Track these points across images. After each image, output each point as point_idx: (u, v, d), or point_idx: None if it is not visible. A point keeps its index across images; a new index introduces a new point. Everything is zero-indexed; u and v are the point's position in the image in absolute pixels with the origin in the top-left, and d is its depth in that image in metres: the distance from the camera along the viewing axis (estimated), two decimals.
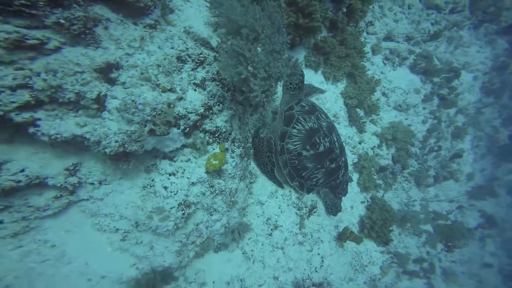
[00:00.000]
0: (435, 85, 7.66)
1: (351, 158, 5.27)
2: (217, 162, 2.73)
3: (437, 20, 7.84)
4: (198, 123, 2.58)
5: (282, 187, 4.10)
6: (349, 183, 5.09)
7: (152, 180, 2.56)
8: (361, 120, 5.51)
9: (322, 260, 4.43)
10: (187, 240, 2.90)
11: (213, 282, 3.41)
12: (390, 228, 5.53)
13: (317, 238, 4.44)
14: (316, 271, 4.31)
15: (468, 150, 9.92)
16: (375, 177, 5.59)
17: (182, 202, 2.62)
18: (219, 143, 2.86)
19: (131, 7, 2.24)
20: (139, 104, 2.00)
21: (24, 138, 1.98)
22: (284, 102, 3.88)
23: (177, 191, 2.59)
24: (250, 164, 3.88)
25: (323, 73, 5.11)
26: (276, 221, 3.95)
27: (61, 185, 2.18)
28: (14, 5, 1.60)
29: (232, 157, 3.11)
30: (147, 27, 2.33)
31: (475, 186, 9.97)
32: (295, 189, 4.15)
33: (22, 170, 2.01)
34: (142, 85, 2.06)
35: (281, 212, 4.02)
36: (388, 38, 6.73)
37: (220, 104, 2.74)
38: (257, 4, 2.66)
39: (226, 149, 3.03)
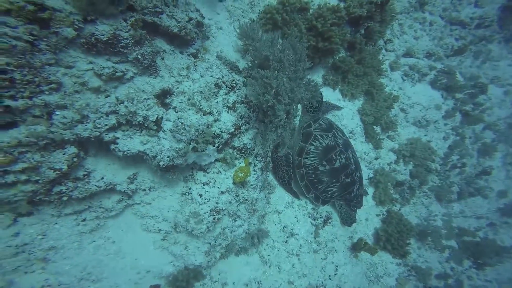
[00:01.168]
0: (457, 101, 7.81)
1: (366, 173, 5.64)
2: (242, 174, 3.27)
3: (461, 35, 8.03)
4: (228, 141, 3.14)
5: (299, 198, 4.57)
6: (365, 197, 5.48)
7: (189, 189, 3.11)
8: (378, 137, 5.87)
9: (336, 269, 4.82)
10: (215, 242, 3.41)
11: (233, 283, 3.89)
12: (407, 241, 5.80)
13: (331, 247, 4.85)
14: (330, 279, 4.71)
15: (499, 167, 9.74)
16: (391, 191, 5.90)
17: (214, 208, 3.14)
18: (244, 158, 3.41)
19: (181, 39, 2.84)
20: (187, 126, 2.59)
21: (103, 152, 2.64)
22: (302, 121, 4.38)
23: (210, 199, 3.12)
24: (268, 176, 4.40)
25: (340, 91, 5.55)
26: (292, 229, 4.41)
27: (124, 190, 2.80)
28: (117, 46, 2.20)
29: (255, 170, 3.63)
30: (191, 56, 2.93)
31: (509, 203, 9.68)
32: (310, 201, 4.61)
33: (102, 178, 2.64)
34: (189, 109, 2.65)
35: (297, 221, 4.49)
36: (408, 54, 7.05)
37: (247, 124, 3.28)
38: (281, 32, 3.18)
39: (250, 163, 3.57)
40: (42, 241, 2.52)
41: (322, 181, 4.32)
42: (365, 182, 5.59)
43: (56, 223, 2.59)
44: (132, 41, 2.21)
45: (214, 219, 3.18)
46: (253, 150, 3.54)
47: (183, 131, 2.55)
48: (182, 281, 3.19)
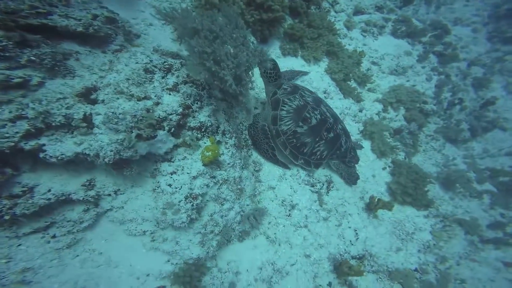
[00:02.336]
0: (425, 44, 7.40)
1: (355, 127, 5.17)
2: (210, 153, 2.95)
3: None
4: (181, 122, 2.87)
5: (289, 168, 4.16)
6: (360, 151, 4.95)
7: (158, 182, 2.84)
8: (356, 91, 5.47)
9: (356, 233, 4.24)
10: (205, 230, 3.07)
11: (247, 270, 3.48)
12: (426, 189, 5.12)
13: (343, 212, 4.30)
14: (353, 244, 4.13)
15: (504, 97, 8.94)
16: (389, 140, 5.35)
17: (188, 194, 2.83)
18: (208, 136, 3.11)
19: (95, 38, 2.71)
20: (119, 114, 2.36)
21: (43, 166, 2.43)
22: (268, 92, 4.11)
23: (181, 186, 2.82)
24: (252, 155, 4.04)
25: (302, 57, 5.31)
26: (292, 201, 3.95)
27: (83, 198, 2.56)
28: None
29: (227, 148, 3.32)
30: (115, 52, 2.80)
31: None
32: (302, 167, 4.17)
33: (49, 190, 2.42)
34: (118, 98, 2.44)
35: (294, 191, 4.03)
36: (358, 12, 6.82)
37: (198, 102, 3.03)
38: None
39: (219, 142, 3.26)
40: (10, 264, 2.30)
41: (305, 144, 3.92)
42: (357, 136, 5.13)
43: (20, 244, 2.36)
44: (10, 42, 2.04)
45: (193, 205, 2.86)
46: (218, 127, 3.25)
47: (116, 120, 2.33)
48: (185, 276, 2.88)
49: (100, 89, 2.46)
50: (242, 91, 3.22)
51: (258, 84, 4.63)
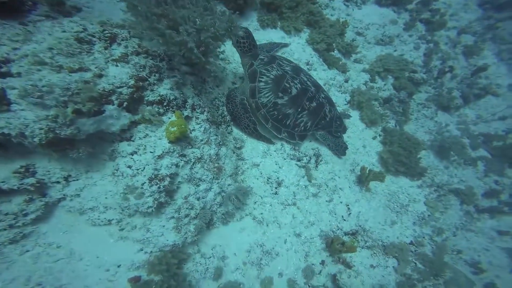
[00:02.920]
0: (412, 12, 6.88)
1: (342, 97, 4.75)
2: (175, 129, 2.53)
3: None
4: (136, 96, 2.41)
5: (273, 143, 3.74)
6: (348, 120, 4.53)
7: (117, 164, 2.44)
8: (340, 61, 5.00)
9: (349, 208, 3.87)
10: (180, 214, 2.69)
11: (234, 253, 3.15)
12: (418, 157, 4.73)
13: (334, 186, 3.92)
14: (345, 220, 3.76)
15: (496, 63, 8.51)
16: (378, 109, 4.93)
17: (153, 176, 2.43)
18: (173, 111, 2.66)
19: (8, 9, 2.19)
20: (43, 87, 1.91)
21: None
22: (244, 64, 3.65)
23: (144, 167, 2.41)
24: (232, 131, 3.61)
25: (282, 28, 4.82)
26: (278, 178, 3.56)
27: (18, 187, 2.14)
28: None
29: (198, 123, 2.91)
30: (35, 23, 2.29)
31: None
32: (286, 141, 3.75)
33: None
34: (39, 70, 1.97)
35: (280, 167, 3.63)
36: None
37: (156, 74, 2.57)
38: None
39: (188, 117, 2.83)
40: None
41: (287, 115, 3.50)
42: (345, 107, 4.72)
43: None
44: None
45: (159, 188, 2.47)
46: (185, 102, 2.82)
47: (40, 93, 1.88)
48: (161, 264, 2.54)
49: (14, 62, 1.97)
50: (208, 60, 2.77)
51: (236, 58, 4.16)
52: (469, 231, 5.20)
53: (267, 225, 3.34)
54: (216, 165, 3.00)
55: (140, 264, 2.55)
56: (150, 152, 2.46)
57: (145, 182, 2.39)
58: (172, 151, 2.57)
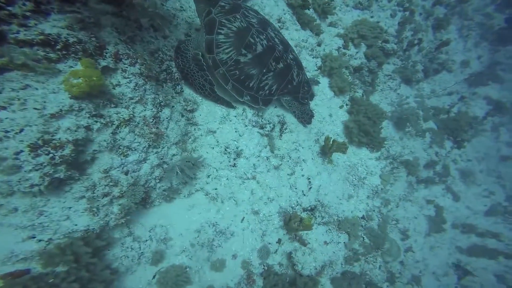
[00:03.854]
0: None
1: (312, 62, 4.08)
2: (80, 80, 1.60)
3: None
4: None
5: (234, 107, 2.98)
6: (317, 86, 3.91)
7: None
8: (315, 22, 4.18)
9: (309, 181, 3.43)
10: (94, 193, 1.91)
11: (180, 234, 2.57)
12: (380, 127, 4.41)
13: (297, 158, 3.40)
14: (305, 195, 3.34)
15: (456, 39, 8.50)
16: (348, 77, 4.36)
17: (41, 141, 1.59)
18: (78, 58, 1.68)
19: None
20: None
21: None
22: (200, 11, 2.72)
23: (22, 129, 1.55)
24: (183, 91, 2.74)
25: None
26: (237, 148, 2.91)
27: None
28: None
29: (126, 77, 2.03)
30: None
31: (473, 73, 8.61)
32: (249, 105, 3.01)
33: None
34: None
35: (240, 135, 2.96)
36: None
37: (25, 2, 1.52)
38: None
39: (109, 68, 1.93)
40: None
41: (250, 76, 2.74)
42: (315, 73, 4.05)
43: None
44: None
45: (53, 159, 1.64)
46: (102, 48, 1.85)
47: None
48: (65, 255, 1.83)
49: None
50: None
51: (192, 5, 3.09)
52: (407, 201, 5.40)
53: (222, 202, 2.76)
54: (153, 130, 2.19)
55: (28, 255, 1.81)
56: (35, 108, 1.55)
57: (22, 151, 1.53)
58: (77, 109, 1.71)
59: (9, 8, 1.48)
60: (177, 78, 2.72)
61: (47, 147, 1.59)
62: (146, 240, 2.39)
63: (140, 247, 2.34)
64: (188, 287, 2.42)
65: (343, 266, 3.37)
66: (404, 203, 5.29)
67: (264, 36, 2.79)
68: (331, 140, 3.64)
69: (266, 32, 2.82)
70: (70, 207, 1.85)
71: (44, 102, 1.58)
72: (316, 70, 4.06)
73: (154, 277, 2.36)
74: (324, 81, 4.14)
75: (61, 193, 1.81)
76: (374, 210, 4.31)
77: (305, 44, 3.97)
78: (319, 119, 4.01)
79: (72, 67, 1.71)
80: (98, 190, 1.91)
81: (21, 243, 1.78)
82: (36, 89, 1.59)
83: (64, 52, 1.67)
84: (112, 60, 1.91)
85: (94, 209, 1.93)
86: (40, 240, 1.83)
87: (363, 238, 3.74)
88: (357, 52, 4.74)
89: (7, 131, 1.48)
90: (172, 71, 2.68)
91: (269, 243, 2.88)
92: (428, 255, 5.40)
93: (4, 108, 1.49)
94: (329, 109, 4.13)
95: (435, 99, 7.02)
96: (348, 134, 4.23)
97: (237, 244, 2.71)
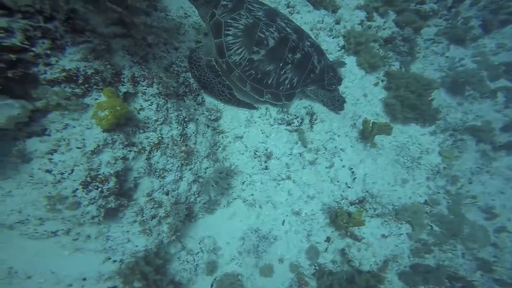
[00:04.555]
0: None
1: (333, 43, 3.71)
2: (106, 112, 1.70)
3: None
4: (17, 74, 1.50)
5: (256, 108, 2.89)
6: (343, 68, 3.55)
7: (32, 169, 1.69)
8: None
9: (352, 172, 3.14)
10: (143, 217, 2.04)
11: (227, 243, 2.59)
12: (430, 98, 3.79)
13: (334, 148, 3.13)
14: (349, 187, 3.05)
15: None
16: (379, 51, 3.87)
17: (89, 178, 1.71)
18: (100, 89, 1.79)
19: None
20: None
21: None
22: (203, 16, 2.70)
23: (72, 169, 1.68)
24: (204, 101, 2.76)
25: None
26: (266, 149, 2.81)
27: None
28: None
29: (147, 100, 2.08)
30: None
31: None
32: (271, 103, 2.88)
33: None
34: None
35: (267, 136, 2.85)
36: None
37: (43, 41, 1.60)
38: None
39: (130, 94, 1.99)
40: None
41: (267, 73, 2.62)
42: (338, 54, 3.69)
43: None
44: None
45: (102, 192, 1.76)
46: (119, 74, 1.92)
47: None
48: (135, 274, 1.99)
49: None
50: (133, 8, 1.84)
51: (195, 10, 3.08)
52: (484, 174, 4.47)
53: (260, 207, 2.68)
54: (183, 148, 2.23)
55: (109, 274, 1.99)
56: (77, 148, 1.68)
57: (77, 189, 1.66)
58: (112, 141, 1.80)
59: (33, 49, 1.56)
60: (196, 89, 2.73)
61: (95, 182, 1.71)
62: (198, 252, 2.44)
63: (194, 259, 2.40)
64: None
65: (411, 259, 2.96)
66: (479, 177, 4.43)
67: (274, 28, 2.61)
68: (371, 122, 3.26)
69: (276, 24, 2.64)
70: (128, 231, 1.99)
71: (83, 139, 1.70)
72: (339, 51, 3.69)
73: (211, 286, 2.42)
74: (351, 60, 3.73)
75: (118, 220, 1.96)
76: (439, 192, 3.72)
77: (322, 25, 3.64)
78: (352, 102, 3.63)
79: (97, 99, 1.79)
80: (146, 213, 2.01)
81: (103, 264, 1.99)
82: (74, 127, 1.71)
83: (86, 85, 1.74)
84: (130, 85, 1.97)
85: (147, 230, 2.04)
86: (115, 261, 2.01)
87: (431, 226, 3.24)
88: (385, 22, 4.17)
89: (62, 173, 1.64)
90: (190, 82, 2.70)
91: (317, 243, 2.69)
92: None
93: (55, 151, 1.65)
94: (363, 89, 3.70)
95: (505, 53, 5.69)
96: (389, 112, 3.74)
97: (282, 247, 2.59)
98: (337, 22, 3.80)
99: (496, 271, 3.64)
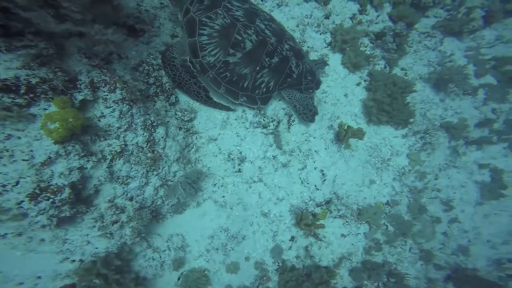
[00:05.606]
0: None
1: (320, 39, 3.52)
2: (57, 124, 1.57)
3: None
4: None
5: (234, 110, 2.80)
6: (326, 67, 3.42)
7: None
8: None
9: (323, 174, 3.22)
10: (103, 223, 2.03)
11: (196, 240, 2.67)
12: (406, 101, 3.79)
13: (308, 150, 3.17)
14: (318, 189, 3.17)
15: None
16: (365, 48, 3.72)
17: (38, 190, 1.64)
18: (49, 99, 1.62)
19: None
20: None
21: None
22: (176, 10, 2.43)
23: (17, 181, 1.59)
24: (178, 101, 2.63)
25: None
26: (240, 153, 2.80)
27: None
28: None
29: (109, 107, 1.95)
30: None
31: None
32: (248, 106, 2.78)
33: None
34: None
35: (241, 140, 2.83)
36: None
37: None
38: None
39: (87, 101, 1.82)
40: None
41: (243, 76, 2.49)
42: (324, 51, 3.51)
43: None
44: None
45: (53, 202, 1.70)
46: (74, 80, 1.74)
47: None
48: (92, 275, 2.05)
49: None
50: None
51: None
52: (452, 168, 4.70)
53: (231, 208, 2.76)
54: (149, 155, 2.16)
55: (66, 273, 2.03)
56: (24, 160, 1.58)
57: (23, 201, 1.61)
58: (65, 153, 1.70)
59: None
60: (169, 88, 2.57)
61: (46, 193, 1.65)
62: (165, 250, 2.53)
63: (160, 257, 2.50)
64: (209, 287, 2.59)
65: (363, 256, 3.24)
66: (447, 172, 4.66)
67: (253, 30, 2.42)
68: (345, 126, 3.26)
69: (254, 25, 2.43)
70: (87, 234, 2.00)
71: (31, 151, 1.60)
72: (325, 47, 3.51)
73: (178, 279, 2.56)
74: (336, 58, 3.58)
75: (75, 224, 1.95)
76: (402, 192, 3.94)
77: (309, 20, 3.39)
78: (332, 102, 3.57)
79: (46, 109, 1.64)
80: (106, 219, 2.00)
81: (60, 264, 2.01)
82: (19, 138, 1.59)
83: (31, 95, 1.58)
84: (89, 91, 1.82)
85: (108, 234, 2.06)
86: (73, 261, 2.03)
87: (387, 226, 3.49)
88: (378, 16, 3.94)
89: (4, 185, 1.56)
90: (162, 82, 2.53)
91: (283, 241, 2.86)
92: (481, 223, 4.77)
93: None
94: (344, 89, 3.63)
95: (502, 46, 5.44)
96: (367, 113, 3.74)
97: (249, 246, 2.75)
98: (327, 16, 3.55)
99: (437, 256, 4.07)
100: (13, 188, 1.57)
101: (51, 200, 1.67)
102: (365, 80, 3.79)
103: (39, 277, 1.98)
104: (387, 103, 3.53)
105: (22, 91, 1.53)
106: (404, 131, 4.10)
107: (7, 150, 1.55)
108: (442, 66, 4.60)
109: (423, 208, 4.04)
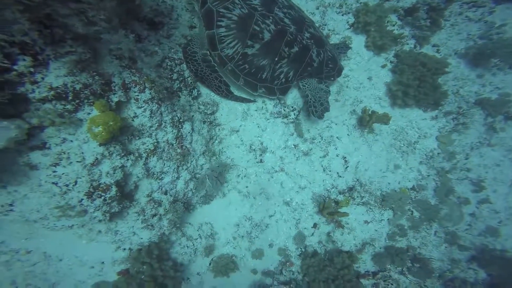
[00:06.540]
0: None
1: (342, 20, 3.34)
2: (100, 128, 1.72)
3: None
4: (2, 98, 1.48)
5: (254, 101, 2.85)
6: (345, 53, 3.28)
7: (40, 179, 1.81)
8: None
9: (345, 161, 3.21)
10: (145, 216, 2.25)
11: (223, 228, 2.86)
12: (436, 84, 3.56)
13: (329, 137, 3.18)
14: (340, 176, 3.19)
15: None
16: (392, 28, 3.48)
17: (92, 188, 1.84)
18: (91, 103, 1.76)
19: None
20: None
21: None
22: (193, 1, 2.40)
23: (76, 181, 1.80)
24: (200, 94, 2.72)
25: None
26: (262, 143, 2.88)
27: None
28: None
29: (141, 107, 2.06)
30: None
31: None
32: (267, 97, 2.81)
33: None
34: None
35: (262, 130, 2.88)
36: None
37: (26, 57, 1.51)
38: None
39: (122, 102, 1.97)
40: None
41: (262, 67, 2.50)
42: (346, 33, 3.39)
43: None
44: None
45: (105, 199, 1.91)
46: (109, 83, 1.88)
47: None
48: (138, 258, 2.32)
49: None
50: None
51: None
52: (486, 146, 4.39)
53: (254, 198, 2.89)
54: (178, 151, 2.30)
55: (121, 259, 2.34)
56: (78, 161, 1.78)
57: (82, 199, 1.83)
58: (109, 154, 1.88)
59: (15, 67, 1.49)
60: (191, 82, 2.64)
61: (98, 191, 1.85)
62: (197, 239, 2.73)
63: (193, 245, 2.71)
64: (236, 271, 2.81)
65: (387, 242, 3.29)
66: (480, 150, 4.38)
67: (271, 19, 2.36)
68: (369, 111, 3.19)
69: (273, 14, 2.37)
70: (133, 226, 2.24)
71: (82, 153, 1.78)
72: (348, 29, 3.34)
73: (210, 264, 2.80)
74: (359, 40, 3.41)
75: (123, 217, 2.19)
76: (429, 176, 3.82)
77: (330, 0, 3.21)
78: (355, 86, 3.46)
79: (89, 113, 1.78)
80: (147, 213, 2.22)
81: (115, 252, 2.31)
82: (71, 141, 1.77)
83: (77, 101, 1.72)
84: (122, 92, 1.93)
85: (149, 226, 2.29)
86: (124, 249, 2.32)
87: (412, 211, 3.47)
88: None
89: (67, 185, 1.77)
90: (185, 76, 2.59)
91: (305, 228, 2.98)
92: None
93: (58, 164, 1.74)
94: (368, 72, 3.47)
95: None
96: (392, 97, 3.58)
97: (272, 234, 2.89)
98: None
99: (462, 237, 3.98)
100: (74, 187, 1.78)
101: (103, 197, 1.87)
102: (391, 62, 3.58)
103: (103, 263, 2.33)
104: (414, 87, 3.34)
105: (69, 98, 1.67)
106: (434, 113, 3.89)
107: (64, 153, 1.74)
108: (486, 38, 4.16)
109: (451, 189, 3.92)
